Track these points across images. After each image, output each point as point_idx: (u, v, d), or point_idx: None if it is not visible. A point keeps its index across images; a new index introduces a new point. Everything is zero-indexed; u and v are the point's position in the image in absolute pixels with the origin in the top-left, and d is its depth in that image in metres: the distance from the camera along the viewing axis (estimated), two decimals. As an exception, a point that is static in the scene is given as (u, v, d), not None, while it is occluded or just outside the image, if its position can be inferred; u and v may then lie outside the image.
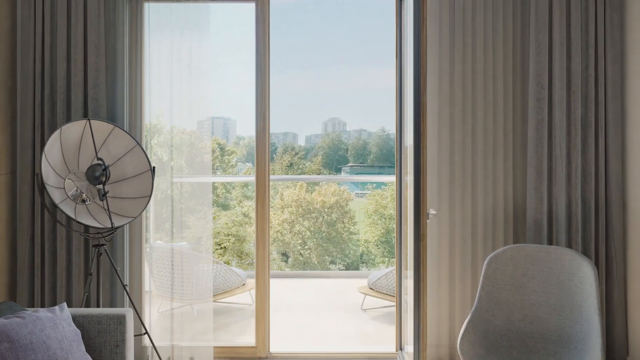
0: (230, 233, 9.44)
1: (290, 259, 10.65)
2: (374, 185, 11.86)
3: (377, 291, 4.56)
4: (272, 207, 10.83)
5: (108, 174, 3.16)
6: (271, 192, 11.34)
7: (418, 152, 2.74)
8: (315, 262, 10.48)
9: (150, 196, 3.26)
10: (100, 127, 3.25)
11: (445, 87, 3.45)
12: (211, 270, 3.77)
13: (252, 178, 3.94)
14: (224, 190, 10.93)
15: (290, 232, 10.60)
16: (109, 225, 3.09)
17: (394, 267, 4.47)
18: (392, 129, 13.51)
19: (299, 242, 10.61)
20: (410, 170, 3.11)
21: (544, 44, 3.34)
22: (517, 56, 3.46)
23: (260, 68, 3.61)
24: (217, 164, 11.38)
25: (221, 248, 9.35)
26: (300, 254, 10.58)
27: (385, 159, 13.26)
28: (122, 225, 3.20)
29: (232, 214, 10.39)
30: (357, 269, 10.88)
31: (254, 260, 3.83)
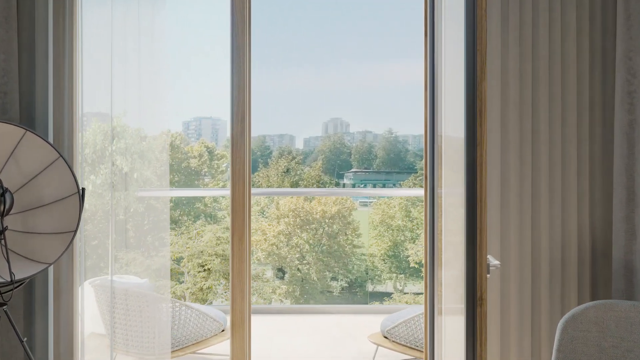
0: (215, 253, 8.52)
1: (286, 275, 9.75)
2: (379, 191, 11.10)
3: (393, 341, 3.58)
4: (266, 218, 10.04)
5: (10, 201, 2.19)
6: (266, 201, 10.54)
7: (472, 172, 1.84)
8: (315, 278, 9.61)
9: (75, 231, 2.29)
10: (6, 131, 2.29)
11: (494, 76, 2.58)
12: (169, 313, 3.04)
13: (226, 192, 3.05)
14: (211, 199, 10.01)
15: (287, 245, 9.77)
16: (8, 279, 2.11)
17: (418, 312, 3.50)
18: (400, 130, 12.56)
19: (297, 256, 9.79)
20: (459, 200, 2.16)
21: (636, 15, 2.45)
22: (596, 33, 2.59)
23: (237, 50, 2.64)
24: (205, 170, 10.51)
25: (204, 270, 8.44)
26: (298, 269, 9.73)
27: (392, 164, 12.27)
28: (29, 278, 2.21)
29: (219, 229, 9.47)
30: (361, 286, 10.00)
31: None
